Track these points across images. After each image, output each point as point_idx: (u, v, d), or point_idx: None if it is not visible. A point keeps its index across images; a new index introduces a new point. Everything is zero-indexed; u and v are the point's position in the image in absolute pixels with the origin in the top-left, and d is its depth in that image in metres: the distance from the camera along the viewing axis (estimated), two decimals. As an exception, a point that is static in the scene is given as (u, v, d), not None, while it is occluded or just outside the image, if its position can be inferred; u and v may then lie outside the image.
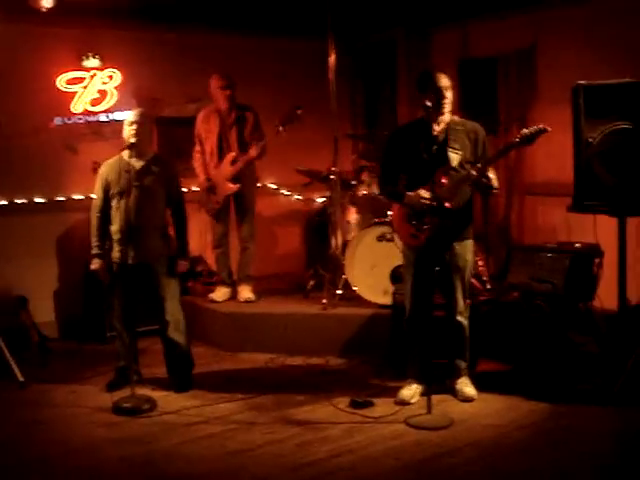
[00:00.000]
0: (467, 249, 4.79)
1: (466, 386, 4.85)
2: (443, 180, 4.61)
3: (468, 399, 4.79)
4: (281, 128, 6.09)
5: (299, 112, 6.07)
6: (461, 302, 4.80)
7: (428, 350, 4.81)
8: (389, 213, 6.12)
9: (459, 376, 4.90)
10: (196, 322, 6.17)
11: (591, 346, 5.20)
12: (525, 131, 4.52)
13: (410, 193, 4.68)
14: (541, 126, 4.49)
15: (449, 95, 4.65)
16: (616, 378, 4.59)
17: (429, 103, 4.59)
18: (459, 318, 4.82)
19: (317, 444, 4.23)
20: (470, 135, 4.70)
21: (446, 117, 4.69)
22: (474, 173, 4.55)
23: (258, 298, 6.43)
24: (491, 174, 4.62)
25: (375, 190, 6.30)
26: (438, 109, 4.64)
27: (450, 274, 4.75)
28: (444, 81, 4.64)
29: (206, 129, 6.34)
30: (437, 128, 4.70)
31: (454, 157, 4.61)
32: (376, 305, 5.90)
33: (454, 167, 4.60)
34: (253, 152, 6.18)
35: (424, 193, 4.63)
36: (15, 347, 5.45)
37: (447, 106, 4.65)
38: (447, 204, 4.60)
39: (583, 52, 6.06)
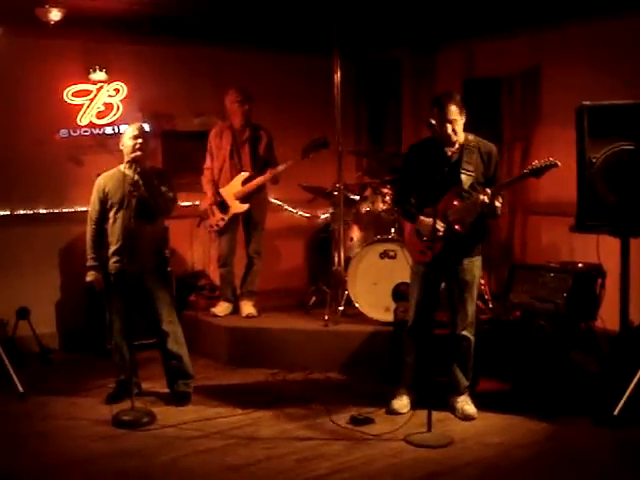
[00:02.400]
0: (475, 265, 4.80)
1: (467, 404, 4.84)
2: (455, 202, 4.63)
3: (468, 418, 4.77)
4: (310, 155, 6.12)
5: (327, 141, 6.11)
6: (469, 317, 4.80)
7: (423, 362, 4.82)
8: (392, 230, 6.15)
9: (460, 394, 4.88)
10: (198, 336, 6.17)
11: (592, 366, 5.18)
12: (536, 163, 4.53)
13: (423, 218, 4.70)
14: (551, 160, 4.49)
15: (459, 126, 4.64)
16: (617, 399, 4.57)
17: (434, 121, 4.62)
18: (466, 333, 4.80)
19: (316, 460, 4.21)
20: (484, 156, 4.71)
21: (460, 138, 4.71)
22: (486, 200, 4.51)
23: (260, 313, 6.42)
24: (497, 203, 4.57)
25: (379, 207, 6.33)
26: (448, 138, 4.66)
27: (458, 289, 4.76)
28: (454, 112, 4.61)
29: (217, 145, 6.31)
30: (452, 149, 4.71)
31: (466, 179, 4.63)
32: (378, 322, 5.89)
33: (466, 189, 4.62)
34: (266, 177, 6.18)
35: (439, 225, 4.60)
36: (16, 358, 5.44)
37: (455, 136, 4.66)
38: (457, 227, 4.63)
39: (587, 73, 6.09)
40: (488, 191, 4.53)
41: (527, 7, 6.07)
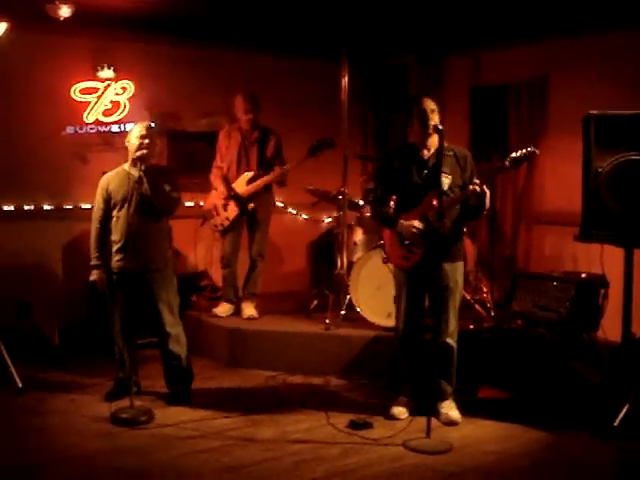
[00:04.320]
0: (457, 271, 4.81)
1: (451, 410, 4.82)
2: (435, 203, 4.65)
3: (452, 422, 4.75)
4: (317, 154, 6.15)
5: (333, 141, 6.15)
6: (452, 324, 4.80)
7: (420, 369, 4.83)
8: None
9: (444, 399, 4.86)
10: (199, 336, 6.15)
11: (593, 377, 5.16)
12: (514, 154, 4.63)
13: (403, 221, 4.76)
14: (529, 149, 4.60)
15: (435, 118, 4.70)
16: (617, 410, 4.55)
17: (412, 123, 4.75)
18: (448, 340, 4.80)
19: (314, 463, 4.19)
20: (460, 161, 4.77)
21: (435, 142, 4.73)
22: (477, 189, 4.57)
23: (261, 315, 6.40)
24: (487, 191, 4.64)
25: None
26: (424, 130, 4.71)
27: (440, 295, 4.74)
28: (429, 104, 4.72)
29: (226, 145, 6.33)
30: (427, 153, 4.78)
31: (445, 181, 4.67)
32: (379, 327, 5.88)
33: (445, 191, 4.64)
34: (275, 174, 6.18)
35: (417, 224, 4.69)
36: (15, 353, 5.44)
37: (432, 128, 4.70)
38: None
39: (595, 82, 6.10)
40: (477, 181, 4.62)
41: (535, 16, 6.06)
